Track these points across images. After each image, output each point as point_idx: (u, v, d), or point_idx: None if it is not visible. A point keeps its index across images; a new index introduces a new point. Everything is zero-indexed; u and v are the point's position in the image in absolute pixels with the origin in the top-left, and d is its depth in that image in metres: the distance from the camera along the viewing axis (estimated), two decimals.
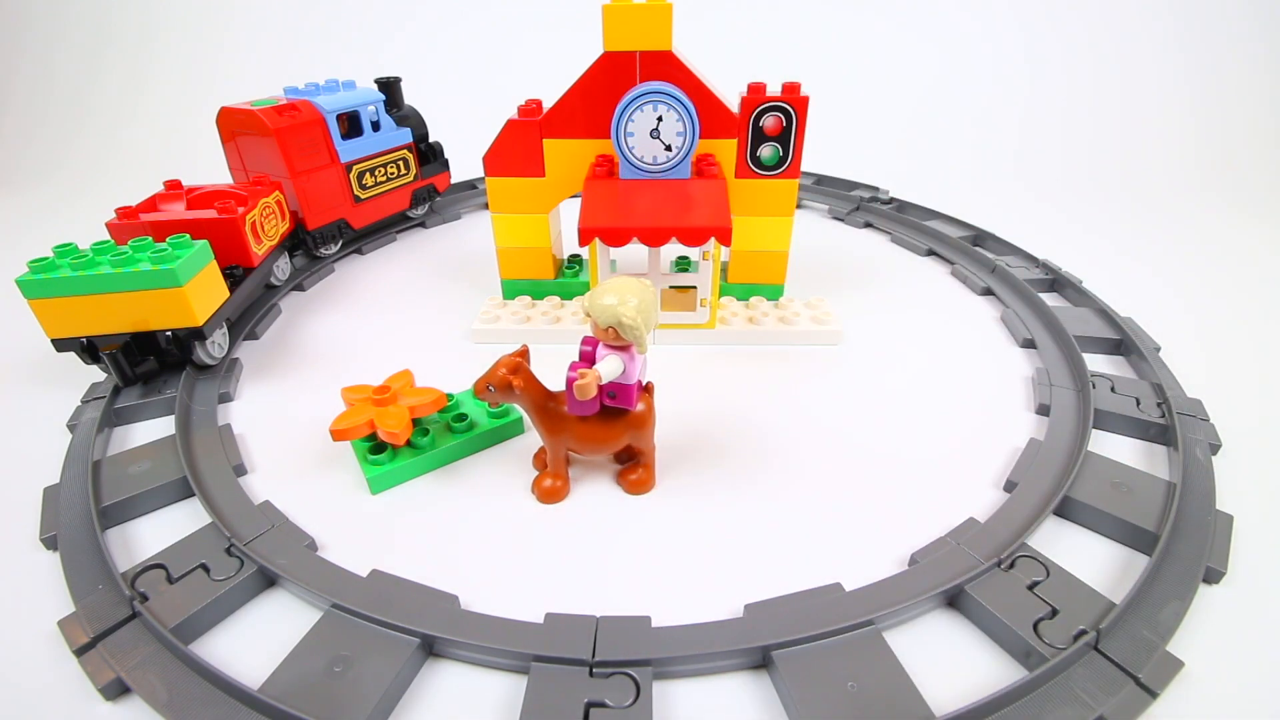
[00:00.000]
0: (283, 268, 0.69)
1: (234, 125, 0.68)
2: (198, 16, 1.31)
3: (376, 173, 0.78)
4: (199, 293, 0.50)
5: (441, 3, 1.33)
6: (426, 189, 0.86)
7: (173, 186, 0.61)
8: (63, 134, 1.20)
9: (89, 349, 0.50)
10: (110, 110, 1.24)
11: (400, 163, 0.81)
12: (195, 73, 1.28)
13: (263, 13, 1.32)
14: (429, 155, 0.85)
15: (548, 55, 1.22)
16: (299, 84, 0.73)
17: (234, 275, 0.58)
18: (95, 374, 0.54)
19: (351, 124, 0.74)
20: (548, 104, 0.57)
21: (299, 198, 0.69)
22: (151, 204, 0.59)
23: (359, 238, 0.82)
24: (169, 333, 0.50)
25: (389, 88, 0.79)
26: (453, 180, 0.99)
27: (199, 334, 0.50)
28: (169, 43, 1.30)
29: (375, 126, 0.76)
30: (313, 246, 0.73)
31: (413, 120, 0.82)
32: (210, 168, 1.10)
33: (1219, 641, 0.33)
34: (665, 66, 0.53)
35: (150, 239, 0.51)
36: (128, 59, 1.29)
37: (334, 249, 0.77)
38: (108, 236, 0.58)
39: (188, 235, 0.52)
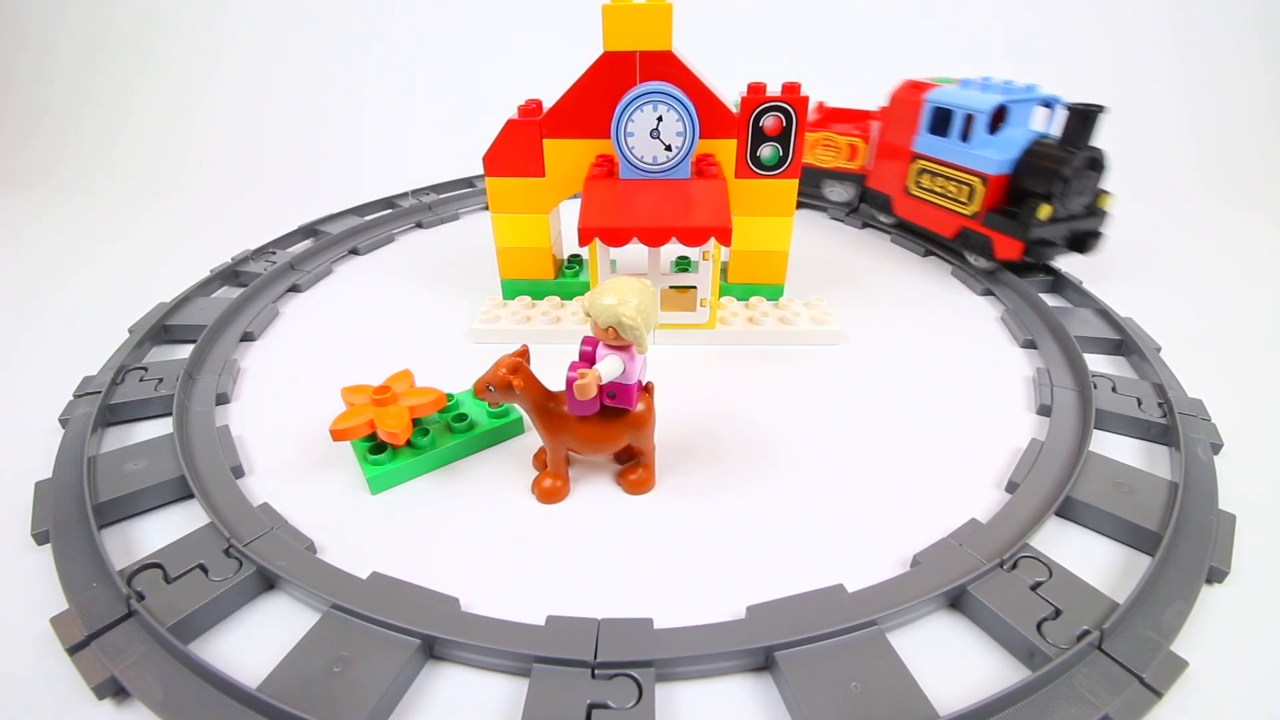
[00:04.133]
0: (838, 192, 0.88)
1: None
2: (194, 19, 1.30)
3: (936, 180, 0.71)
4: None
5: (442, 2, 1.33)
6: (983, 240, 0.68)
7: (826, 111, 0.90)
8: (62, 133, 1.20)
9: None
10: (110, 110, 1.24)
11: (964, 187, 0.68)
12: (194, 71, 1.28)
13: (260, 8, 1.32)
14: (1036, 212, 0.63)
15: (548, 55, 1.22)
16: (975, 76, 0.72)
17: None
18: (88, 368, 0.54)
19: (941, 122, 0.70)
20: (548, 104, 0.57)
21: (873, 155, 0.81)
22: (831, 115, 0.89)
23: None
24: None
25: (1078, 115, 0.62)
26: (450, 178, 0.99)
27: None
28: (168, 43, 1.30)
29: (965, 136, 0.67)
30: (864, 199, 0.85)
31: (1044, 163, 0.63)
32: (209, 167, 1.10)
33: (1223, 641, 0.33)
34: (665, 66, 0.53)
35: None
36: (128, 59, 1.28)
37: (854, 206, 0.88)
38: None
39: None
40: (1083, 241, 0.67)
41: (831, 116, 0.88)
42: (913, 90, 0.73)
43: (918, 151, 0.73)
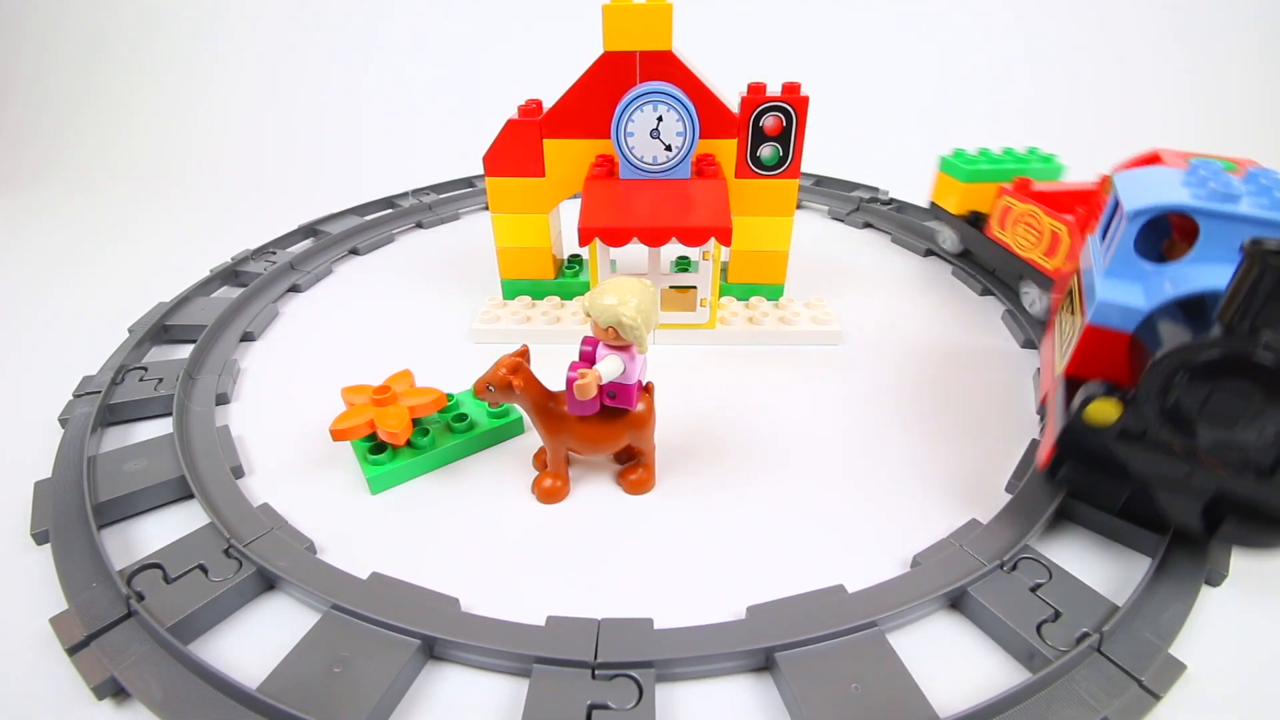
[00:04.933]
0: (1033, 298, 0.61)
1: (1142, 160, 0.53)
2: (194, 19, 1.30)
3: (1070, 306, 0.45)
4: (968, 195, 0.72)
5: (442, 2, 1.33)
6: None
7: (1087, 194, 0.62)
8: (62, 133, 1.20)
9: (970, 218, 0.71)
10: (110, 110, 1.24)
11: (1076, 326, 0.42)
12: (194, 71, 1.28)
13: (259, 8, 1.31)
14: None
15: (548, 55, 1.22)
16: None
17: (976, 226, 0.71)
18: (87, 368, 0.54)
19: (1154, 234, 0.41)
20: (548, 104, 0.57)
21: (1065, 251, 0.57)
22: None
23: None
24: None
25: (1262, 267, 0.30)
26: (450, 178, 0.99)
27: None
28: (168, 43, 1.30)
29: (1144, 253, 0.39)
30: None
31: (1159, 333, 0.34)
32: (209, 167, 1.10)
33: (1221, 644, 0.33)
34: (665, 66, 0.53)
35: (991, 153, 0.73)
36: (128, 59, 1.28)
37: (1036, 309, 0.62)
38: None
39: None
40: (1219, 516, 0.35)
41: (1080, 198, 0.61)
42: (1128, 168, 0.48)
43: (1080, 266, 0.45)
